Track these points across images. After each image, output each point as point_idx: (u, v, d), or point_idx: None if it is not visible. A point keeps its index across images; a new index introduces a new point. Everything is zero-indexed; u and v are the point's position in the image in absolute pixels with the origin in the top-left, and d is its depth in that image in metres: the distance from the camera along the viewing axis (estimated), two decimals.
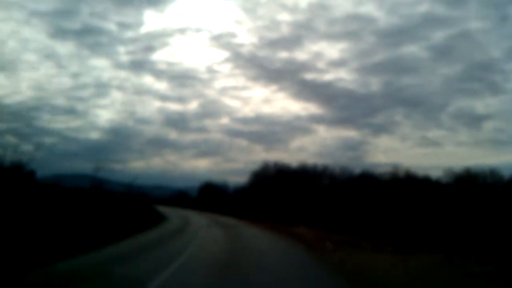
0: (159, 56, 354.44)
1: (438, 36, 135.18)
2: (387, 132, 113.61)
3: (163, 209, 50.33)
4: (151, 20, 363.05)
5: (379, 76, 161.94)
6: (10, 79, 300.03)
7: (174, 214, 42.47)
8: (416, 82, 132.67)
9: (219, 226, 26.59)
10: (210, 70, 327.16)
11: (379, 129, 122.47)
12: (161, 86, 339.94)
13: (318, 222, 24.60)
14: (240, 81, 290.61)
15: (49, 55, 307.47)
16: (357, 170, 38.60)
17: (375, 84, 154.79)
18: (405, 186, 25.91)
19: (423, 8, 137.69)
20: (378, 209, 21.59)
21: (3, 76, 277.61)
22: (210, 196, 66.40)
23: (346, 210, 23.61)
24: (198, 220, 33.59)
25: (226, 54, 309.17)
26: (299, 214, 28.36)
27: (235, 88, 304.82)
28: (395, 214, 20.23)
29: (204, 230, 24.19)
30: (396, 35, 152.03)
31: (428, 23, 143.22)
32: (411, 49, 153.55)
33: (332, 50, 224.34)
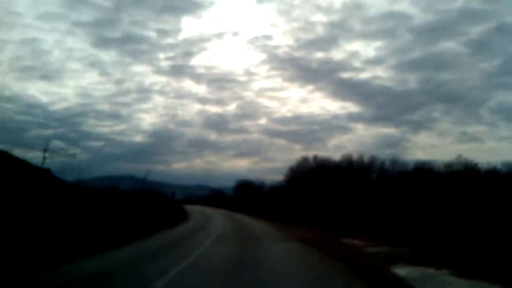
0: (198, 61, 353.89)
1: (475, 31, 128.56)
2: (425, 129, 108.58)
3: (192, 209, 47.97)
4: (189, 26, 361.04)
5: (416, 73, 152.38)
6: (57, 87, 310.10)
7: (197, 217, 39.41)
8: (454, 77, 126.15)
9: (238, 236, 20.89)
10: (248, 73, 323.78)
11: (418, 126, 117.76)
12: (201, 89, 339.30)
13: (377, 228, 19.30)
14: (277, 82, 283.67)
15: (93, 63, 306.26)
16: (410, 163, 33.25)
17: (412, 81, 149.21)
18: (470, 180, 20.68)
19: (458, 3, 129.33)
20: (452, 212, 16.38)
21: (50, 84, 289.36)
22: (246, 195, 62.59)
23: (410, 212, 18.39)
24: (218, 223, 29.30)
25: (262, 56, 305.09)
26: (348, 216, 23.51)
27: (272, 89, 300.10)
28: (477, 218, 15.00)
29: (211, 243, 17.36)
30: (432, 31, 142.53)
31: (465, 18, 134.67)
32: (448, 45, 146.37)
33: (368, 48, 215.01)
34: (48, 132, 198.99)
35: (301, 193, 33.93)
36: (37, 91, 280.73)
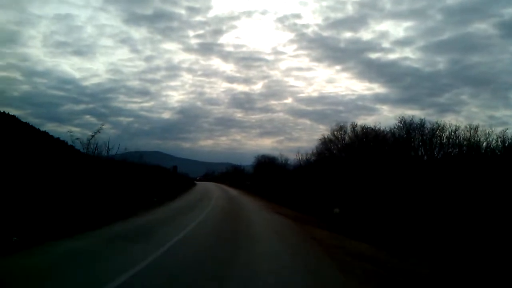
0: (226, 39, 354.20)
1: (509, 12, 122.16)
2: (452, 112, 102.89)
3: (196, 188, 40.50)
4: (219, 4, 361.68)
5: (445, 54, 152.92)
6: (88, 63, 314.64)
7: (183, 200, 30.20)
8: (484, 60, 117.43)
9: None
10: (275, 52, 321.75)
11: (445, 109, 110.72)
12: (228, 67, 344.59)
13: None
14: (304, 62, 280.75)
15: (124, 40, 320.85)
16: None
17: (441, 62, 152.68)
18: None
19: None
20: None
21: (82, 60, 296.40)
22: (266, 173, 54.56)
23: None
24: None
25: (290, 35, 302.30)
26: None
27: (299, 68, 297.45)
28: None
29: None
30: (464, 12, 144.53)
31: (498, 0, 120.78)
32: (480, 27, 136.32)
33: (398, 29, 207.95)
34: (80, 107, 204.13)
35: (337, 172, 25.52)
36: (69, 66, 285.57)
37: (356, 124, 31.42)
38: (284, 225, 15.63)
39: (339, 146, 32.92)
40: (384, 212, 16.01)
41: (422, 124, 23.97)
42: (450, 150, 22.86)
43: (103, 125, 20.87)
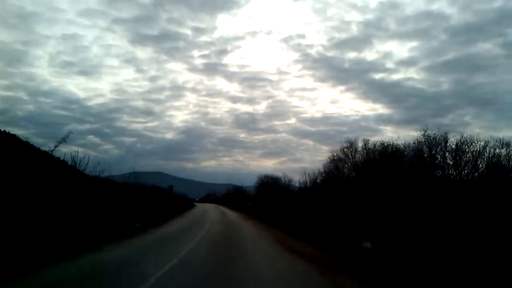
0: (231, 59, 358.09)
1: None
2: (455, 133, 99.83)
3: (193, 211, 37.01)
4: (224, 24, 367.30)
5: (449, 75, 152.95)
6: (94, 82, 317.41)
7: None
8: (489, 80, 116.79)
9: None
10: (280, 72, 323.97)
11: (448, 130, 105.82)
12: (232, 87, 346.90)
13: None
14: (308, 82, 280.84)
15: (129, 60, 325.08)
16: None
17: (445, 83, 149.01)
18: None
19: (497, 3, 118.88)
20: None
21: (87, 79, 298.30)
22: (270, 194, 51.01)
23: None
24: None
25: (295, 55, 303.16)
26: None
27: (303, 89, 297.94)
28: None
29: None
30: (469, 32, 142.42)
31: (503, 19, 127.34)
32: (485, 47, 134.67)
33: (402, 49, 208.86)
34: (85, 127, 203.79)
35: (350, 195, 22.03)
36: (75, 86, 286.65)
37: (368, 140, 28.15)
38: (299, 272, 10.35)
39: (349, 164, 29.61)
40: (427, 246, 12.30)
41: (445, 138, 20.51)
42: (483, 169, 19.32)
43: (70, 132, 19.33)
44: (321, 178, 33.55)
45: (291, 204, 32.54)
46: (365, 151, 28.02)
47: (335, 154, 30.00)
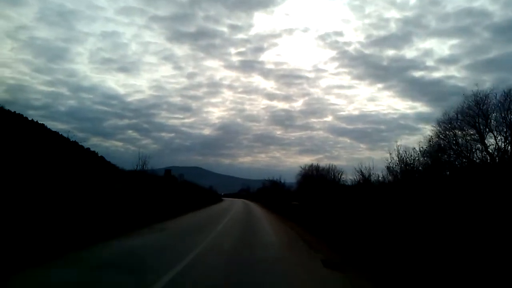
0: (267, 57, 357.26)
1: None
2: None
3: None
4: (260, 22, 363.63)
5: (492, 73, 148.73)
6: (133, 79, 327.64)
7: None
8: None
9: None
10: (316, 69, 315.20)
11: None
12: (269, 85, 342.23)
13: None
14: (346, 79, 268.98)
15: (167, 57, 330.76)
16: None
17: (487, 81, 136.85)
18: None
19: None
20: None
21: (126, 76, 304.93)
22: (320, 191, 38.82)
23: None
24: None
25: (332, 53, 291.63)
26: None
27: (340, 86, 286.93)
28: None
29: None
30: None
31: None
32: None
33: (443, 47, 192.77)
34: (124, 122, 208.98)
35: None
36: (114, 82, 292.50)
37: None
38: None
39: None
40: None
41: None
42: None
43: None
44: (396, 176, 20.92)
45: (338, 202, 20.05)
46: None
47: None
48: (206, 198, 49.44)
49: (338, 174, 45.95)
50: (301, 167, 50.94)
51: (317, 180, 41.92)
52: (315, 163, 48.92)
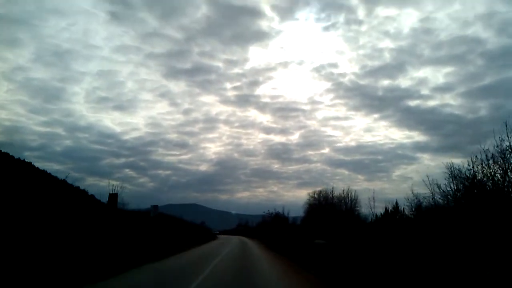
0: (263, 90, 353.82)
1: None
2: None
3: None
4: (255, 56, 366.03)
5: (487, 100, 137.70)
6: (129, 117, 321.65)
7: None
8: None
9: None
10: (312, 101, 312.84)
11: (489, 157, 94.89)
12: (265, 118, 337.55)
13: None
14: (342, 111, 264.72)
15: (163, 94, 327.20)
16: None
17: (483, 108, 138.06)
18: None
19: None
20: None
21: (122, 114, 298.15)
22: (318, 223, 29.92)
23: None
24: None
25: (327, 84, 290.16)
26: None
27: (336, 118, 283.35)
28: None
29: None
30: (506, 56, 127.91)
31: None
32: None
33: (437, 75, 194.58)
34: (121, 160, 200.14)
35: None
36: (111, 121, 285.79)
37: None
38: None
39: None
40: None
41: None
42: None
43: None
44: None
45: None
46: None
47: None
48: (194, 236, 40.15)
49: (353, 201, 37.26)
50: (309, 194, 42.23)
51: (335, 210, 32.98)
52: (328, 188, 39.88)
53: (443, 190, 16.47)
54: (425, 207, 19.99)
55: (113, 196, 23.11)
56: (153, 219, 28.34)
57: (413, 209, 22.08)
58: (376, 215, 29.78)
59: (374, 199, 25.49)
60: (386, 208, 28.78)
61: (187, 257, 21.90)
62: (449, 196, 14.94)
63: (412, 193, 20.19)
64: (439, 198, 17.22)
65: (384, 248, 14.99)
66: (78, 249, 14.80)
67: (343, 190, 36.67)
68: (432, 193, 17.43)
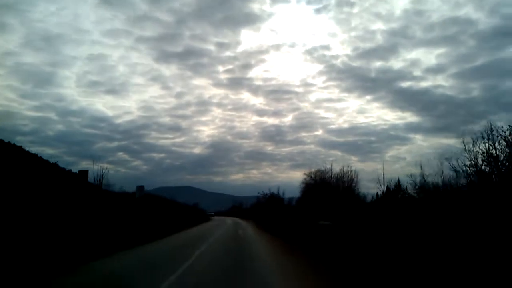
0: (255, 73, 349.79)
1: None
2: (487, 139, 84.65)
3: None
4: (247, 39, 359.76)
5: (479, 81, 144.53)
6: (121, 101, 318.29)
7: None
8: None
9: None
10: (305, 84, 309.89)
11: (481, 137, 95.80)
12: (258, 101, 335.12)
13: None
14: (334, 93, 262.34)
15: (155, 78, 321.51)
16: None
17: (475, 89, 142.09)
18: None
19: None
20: None
21: (115, 98, 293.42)
22: (316, 203, 28.55)
23: None
24: None
25: (320, 67, 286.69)
26: None
27: (329, 100, 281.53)
28: None
29: None
30: (498, 37, 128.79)
31: None
32: None
33: (429, 56, 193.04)
34: (113, 144, 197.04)
35: None
36: (103, 105, 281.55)
37: None
38: None
39: None
40: None
41: None
42: None
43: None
44: None
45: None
46: None
47: None
48: (186, 218, 38.67)
49: (353, 180, 35.84)
50: (305, 173, 40.70)
51: (333, 189, 31.51)
52: (327, 166, 38.34)
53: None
54: (433, 185, 18.54)
55: (83, 173, 21.36)
56: (138, 200, 26.68)
57: (417, 187, 20.81)
58: (377, 193, 28.55)
59: (384, 175, 24.01)
60: (388, 187, 27.42)
61: (174, 241, 20.22)
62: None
63: (421, 168, 18.68)
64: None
65: (389, 227, 13.45)
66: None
67: (341, 169, 35.30)
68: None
